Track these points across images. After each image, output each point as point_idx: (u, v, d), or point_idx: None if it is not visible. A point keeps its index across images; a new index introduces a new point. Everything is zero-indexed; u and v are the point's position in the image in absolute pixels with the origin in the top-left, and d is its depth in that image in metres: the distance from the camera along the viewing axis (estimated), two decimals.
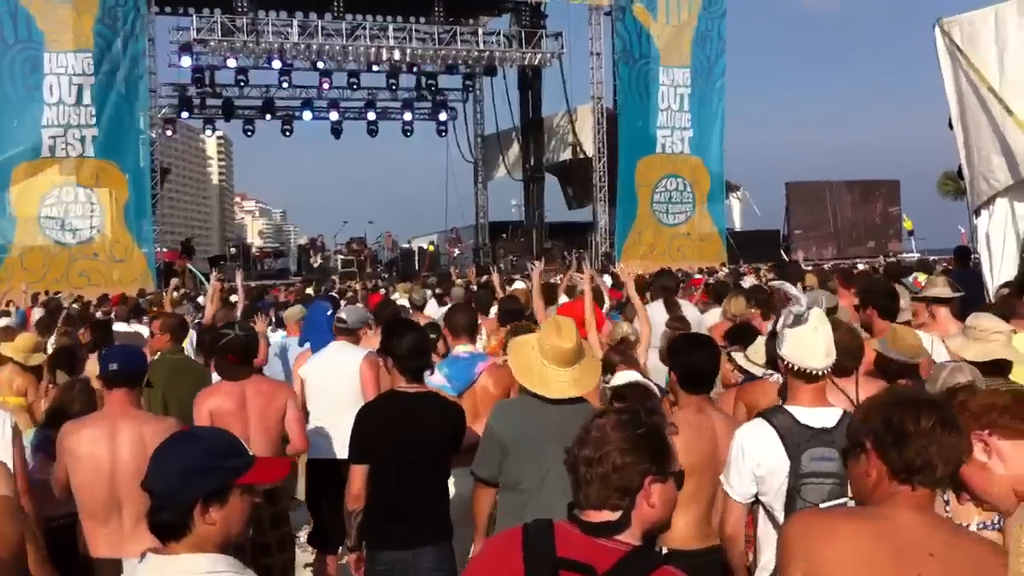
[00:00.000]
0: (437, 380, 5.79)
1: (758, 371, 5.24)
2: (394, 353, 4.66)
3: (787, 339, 3.77)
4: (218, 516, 2.35)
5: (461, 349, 6.03)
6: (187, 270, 26.77)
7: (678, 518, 4.13)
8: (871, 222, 38.55)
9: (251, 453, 2.49)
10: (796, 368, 3.73)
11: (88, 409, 5.05)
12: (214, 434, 2.58)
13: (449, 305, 9.22)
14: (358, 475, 4.54)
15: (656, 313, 7.82)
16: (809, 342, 3.72)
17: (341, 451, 5.45)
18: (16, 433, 4.61)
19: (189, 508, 2.32)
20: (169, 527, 2.34)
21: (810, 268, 14.94)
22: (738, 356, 5.42)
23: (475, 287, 14.55)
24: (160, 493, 2.35)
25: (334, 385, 6.33)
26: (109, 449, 4.32)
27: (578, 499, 2.39)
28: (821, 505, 3.42)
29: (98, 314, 13.26)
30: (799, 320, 3.75)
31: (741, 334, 5.94)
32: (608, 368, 5.40)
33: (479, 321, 8.16)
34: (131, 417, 4.42)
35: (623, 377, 5.21)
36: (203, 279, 24.07)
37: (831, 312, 5.57)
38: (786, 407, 3.74)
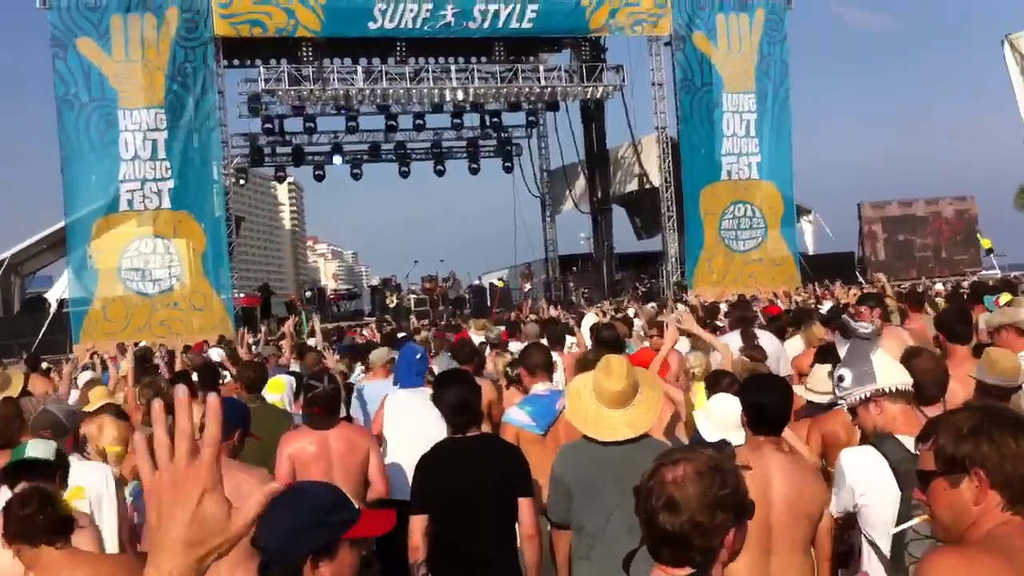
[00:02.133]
0: (521, 419, 5.79)
1: (821, 399, 5.15)
2: (439, 407, 4.70)
3: (878, 366, 3.67)
4: (328, 571, 2.35)
5: (540, 387, 6.03)
6: (302, 313, 26.40)
7: (737, 563, 4.06)
8: (949, 240, 37.76)
9: (357, 507, 2.50)
10: (896, 390, 3.64)
11: None
12: (321, 489, 2.57)
13: (524, 344, 9.20)
14: (416, 526, 4.52)
15: (733, 343, 7.69)
16: (892, 360, 3.65)
17: None
18: (119, 484, 4.73)
19: (299, 564, 2.33)
20: None
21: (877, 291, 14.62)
22: (798, 388, 5.28)
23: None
24: (270, 550, 2.34)
25: (423, 430, 6.27)
26: None
27: (655, 555, 2.22)
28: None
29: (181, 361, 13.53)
30: (874, 338, 3.68)
31: (828, 354, 5.80)
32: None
33: (555, 356, 8.12)
34: (224, 466, 4.44)
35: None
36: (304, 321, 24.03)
37: None
38: (898, 437, 3.60)
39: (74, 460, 4.84)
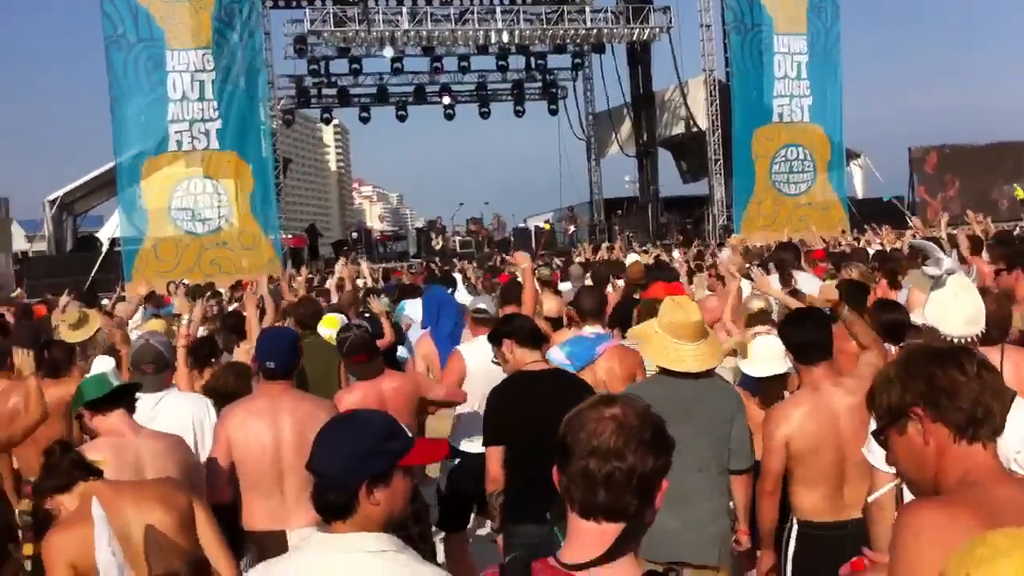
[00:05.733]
0: (558, 357, 5.84)
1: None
2: (515, 334, 4.81)
3: (929, 303, 3.68)
4: (382, 497, 2.41)
5: (588, 329, 6.10)
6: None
7: (805, 496, 4.18)
8: (1000, 186, 37.04)
9: (411, 435, 2.56)
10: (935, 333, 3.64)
11: (243, 388, 5.32)
12: (377, 417, 2.63)
13: (574, 286, 9.26)
14: (494, 457, 4.66)
15: (774, 286, 7.72)
16: (949, 308, 3.63)
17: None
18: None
19: (355, 490, 2.38)
20: (335, 508, 2.41)
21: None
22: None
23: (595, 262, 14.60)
24: (327, 475, 2.41)
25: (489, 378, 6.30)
26: (270, 426, 4.50)
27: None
28: None
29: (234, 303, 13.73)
30: (937, 283, 3.66)
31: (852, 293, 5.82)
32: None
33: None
34: (290, 396, 4.63)
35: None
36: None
37: None
38: None
39: (175, 392, 5.12)
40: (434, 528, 6.84)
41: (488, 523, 5.14)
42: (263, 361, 4.67)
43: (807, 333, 4.22)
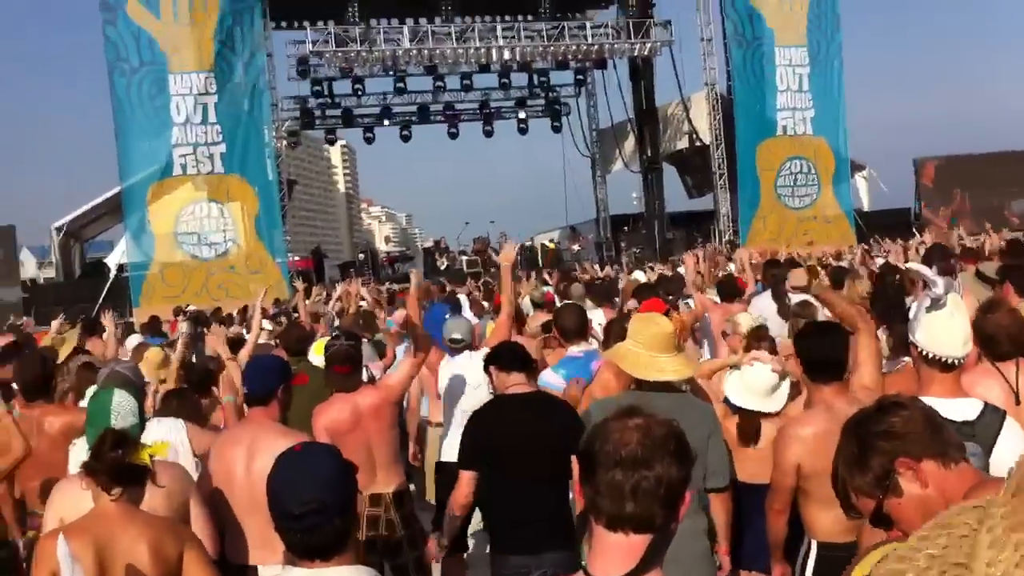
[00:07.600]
0: (555, 381, 5.77)
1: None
2: (497, 359, 4.79)
3: (922, 324, 3.61)
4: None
5: (575, 349, 6.03)
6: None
7: (824, 515, 4.09)
8: (1009, 196, 36.86)
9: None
10: (931, 356, 3.56)
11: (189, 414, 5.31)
12: (315, 443, 2.65)
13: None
14: (466, 482, 4.58)
15: (764, 303, 7.64)
16: (946, 329, 3.56)
17: None
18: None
19: (354, 510, 2.37)
20: (340, 536, 2.34)
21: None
22: None
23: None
24: (331, 503, 2.33)
25: (466, 394, 6.29)
26: (245, 457, 4.41)
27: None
28: None
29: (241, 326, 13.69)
30: (936, 305, 3.59)
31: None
32: None
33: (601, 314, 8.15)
34: (266, 429, 4.50)
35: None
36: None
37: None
38: (922, 398, 3.58)
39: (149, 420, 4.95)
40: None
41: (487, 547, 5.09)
42: (243, 385, 4.65)
43: (822, 349, 4.13)
